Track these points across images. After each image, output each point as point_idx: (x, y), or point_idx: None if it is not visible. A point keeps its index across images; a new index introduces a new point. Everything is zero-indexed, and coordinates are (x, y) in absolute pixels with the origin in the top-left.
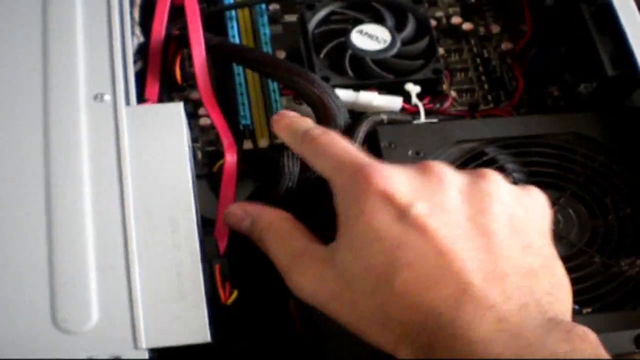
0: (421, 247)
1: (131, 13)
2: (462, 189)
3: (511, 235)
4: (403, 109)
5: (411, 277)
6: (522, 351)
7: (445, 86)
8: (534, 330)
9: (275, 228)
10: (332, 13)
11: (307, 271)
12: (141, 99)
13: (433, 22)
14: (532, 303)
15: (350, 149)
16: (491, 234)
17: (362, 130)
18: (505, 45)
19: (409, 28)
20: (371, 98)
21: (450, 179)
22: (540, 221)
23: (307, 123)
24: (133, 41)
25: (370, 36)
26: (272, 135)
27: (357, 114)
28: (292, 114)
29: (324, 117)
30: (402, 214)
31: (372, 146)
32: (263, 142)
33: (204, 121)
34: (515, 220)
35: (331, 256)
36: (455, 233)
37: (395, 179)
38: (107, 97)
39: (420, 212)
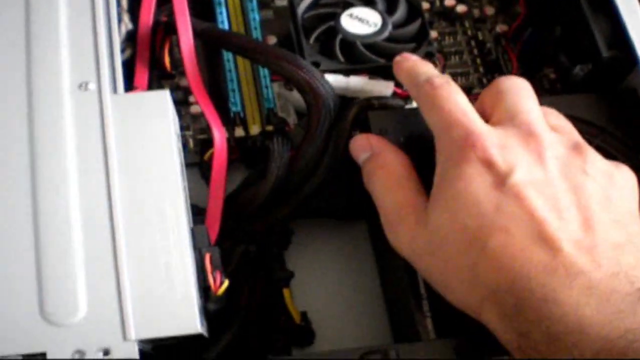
0: (516, 213)
1: (118, 0)
2: (560, 162)
3: (602, 210)
4: (394, 94)
5: (504, 241)
6: (612, 316)
7: (438, 69)
8: (624, 298)
9: (388, 171)
10: None
11: (405, 226)
12: (130, 87)
13: (426, 5)
14: (621, 273)
15: (463, 109)
16: (583, 208)
17: (352, 115)
18: (500, 28)
19: (400, 11)
20: (362, 83)
21: (551, 151)
22: (629, 199)
23: (430, 69)
24: (121, 28)
25: (361, 20)
26: (263, 122)
27: (348, 100)
28: (414, 57)
29: (313, 102)
30: (501, 181)
31: (364, 131)
32: (254, 129)
33: (194, 109)
34: (607, 197)
35: (429, 213)
36: (550, 203)
37: (499, 146)
38: (92, 86)
39: (518, 181)
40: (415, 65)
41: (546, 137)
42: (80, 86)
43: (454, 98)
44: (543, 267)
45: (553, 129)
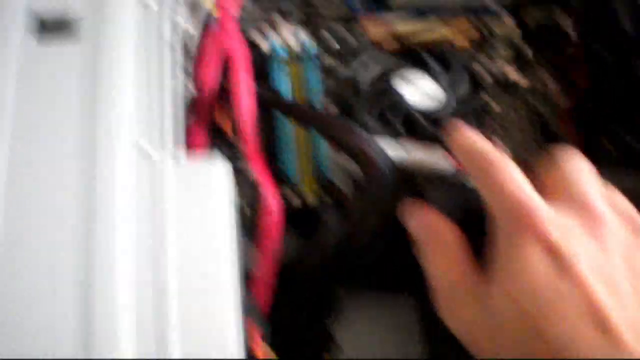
0: (578, 302)
1: (182, 65)
2: (624, 248)
3: None
4: (452, 166)
5: (564, 331)
6: None
7: (499, 143)
8: None
9: (442, 243)
10: (386, 69)
11: (460, 305)
12: (189, 152)
13: (488, 77)
14: None
15: (522, 186)
16: None
17: (410, 188)
18: (561, 101)
19: (463, 85)
20: (420, 155)
21: (614, 236)
22: None
23: (484, 143)
24: (184, 94)
25: (424, 93)
26: (317, 191)
27: (406, 171)
28: (469, 129)
29: (371, 174)
30: (564, 267)
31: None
32: (309, 197)
33: (250, 174)
34: None
35: (486, 295)
36: (613, 293)
37: (561, 229)
38: (154, 153)
39: (581, 268)
40: (469, 138)
41: (608, 220)
42: (142, 153)
43: (510, 174)
44: (604, 358)
45: (616, 211)
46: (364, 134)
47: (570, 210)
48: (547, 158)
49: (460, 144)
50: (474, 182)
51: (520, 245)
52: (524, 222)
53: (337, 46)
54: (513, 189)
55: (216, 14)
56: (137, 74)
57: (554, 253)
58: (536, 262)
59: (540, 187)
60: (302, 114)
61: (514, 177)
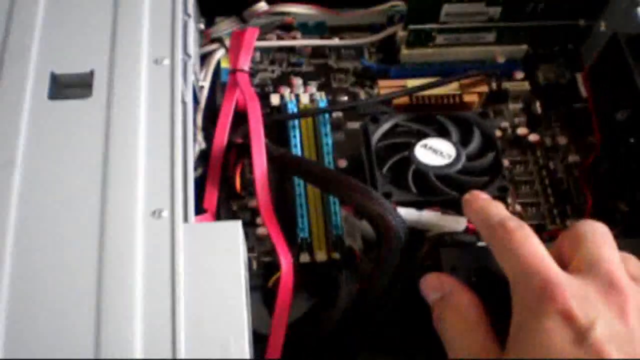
0: None
1: (195, 119)
2: None
3: None
4: (467, 229)
5: None
6: None
7: (510, 200)
8: None
9: (460, 314)
10: (396, 126)
11: None
12: (199, 206)
13: (498, 133)
14: None
15: (540, 255)
16: None
17: (424, 252)
18: (572, 158)
19: (475, 143)
20: (434, 218)
21: (632, 304)
22: None
23: (502, 210)
24: (195, 147)
25: (435, 151)
26: (329, 249)
27: (419, 233)
28: (484, 196)
29: (384, 236)
30: (581, 336)
31: (435, 268)
32: (320, 256)
33: (261, 230)
34: None
35: None
36: None
37: (579, 298)
38: (165, 214)
39: (599, 337)
40: (486, 205)
41: (628, 289)
42: (153, 213)
43: (529, 243)
44: None
45: (633, 278)
46: (379, 196)
47: (589, 279)
48: (568, 228)
49: (475, 210)
50: (491, 251)
51: (539, 315)
52: (544, 294)
53: (349, 101)
54: (532, 259)
55: (229, 68)
56: (149, 132)
57: (571, 321)
58: (554, 331)
59: (559, 255)
60: (316, 173)
61: (532, 248)
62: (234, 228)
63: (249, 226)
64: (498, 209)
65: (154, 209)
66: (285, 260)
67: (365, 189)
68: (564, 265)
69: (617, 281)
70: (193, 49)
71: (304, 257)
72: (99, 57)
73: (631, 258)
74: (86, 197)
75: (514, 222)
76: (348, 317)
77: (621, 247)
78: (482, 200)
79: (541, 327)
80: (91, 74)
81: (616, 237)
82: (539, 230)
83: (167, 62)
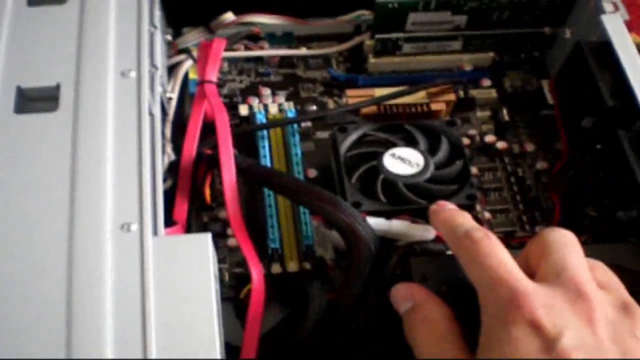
0: None
1: (163, 131)
2: (610, 325)
3: None
4: (437, 238)
5: None
6: None
7: (479, 207)
8: None
9: (431, 324)
10: (365, 135)
11: None
12: (169, 218)
13: (466, 140)
14: None
15: (508, 265)
16: None
17: (394, 262)
18: (540, 165)
19: (443, 151)
20: (404, 227)
21: (600, 312)
22: None
23: (468, 221)
24: (164, 159)
25: (403, 160)
26: (300, 259)
27: (389, 243)
28: (451, 206)
29: (354, 246)
30: (549, 345)
31: (405, 278)
32: (292, 266)
33: (232, 242)
34: None
35: None
36: None
37: (547, 307)
38: (134, 227)
39: (567, 346)
40: (452, 216)
41: (595, 297)
42: (122, 227)
43: (496, 253)
44: None
45: (601, 286)
46: (348, 206)
47: (557, 288)
48: (535, 237)
49: (442, 221)
50: (459, 261)
51: (507, 325)
52: (511, 304)
53: (317, 111)
54: (498, 269)
55: (197, 79)
56: (116, 145)
57: (539, 330)
58: (522, 341)
59: (526, 263)
60: (285, 184)
61: (498, 258)
62: (204, 241)
63: (220, 237)
64: (464, 219)
65: (122, 222)
66: (256, 272)
67: (335, 199)
68: (531, 273)
69: (584, 289)
70: (160, 60)
71: (276, 268)
72: (65, 70)
73: (599, 265)
74: (54, 211)
75: (479, 233)
76: (320, 327)
77: (590, 253)
78: (448, 211)
79: (509, 336)
80: (57, 87)
81: (585, 243)
82: (508, 237)
83: (133, 74)
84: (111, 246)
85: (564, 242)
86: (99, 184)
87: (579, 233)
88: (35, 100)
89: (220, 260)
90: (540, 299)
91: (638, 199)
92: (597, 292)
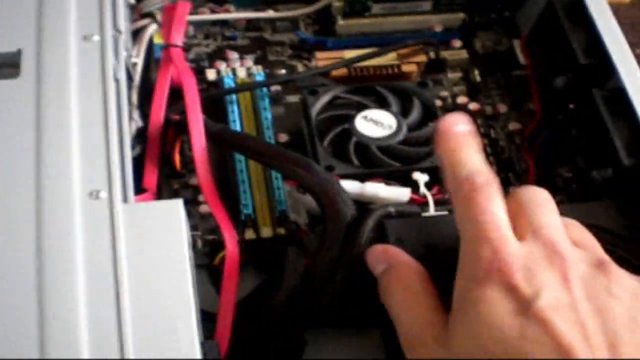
0: (541, 340)
1: (129, 97)
2: (585, 283)
3: (629, 333)
4: (411, 200)
5: None
6: None
7: None
8: None
9: (406, 286)
10: (335, 98)
11: (425, 347)
12: (139, 186)
13: (438, 102)
14: None
15: (497, 222)
16: (609, 332)
17: (369, 224)
18: (513, 126)
19: (415, 113)
20: (378, 190)
21: (575, 271)
22: None
23: (473, 158)
24: (131, 126)
25: (375, 122)
26: (274, 225)
27: (363, 205)
28: (461, 129)
29: (328, 210)
30: (525, 306)
31: (381, 240)
32: (265, 232)
33: (204, 208)
34: (633, 319)
35: (451, 338)
36: (575, 329)
37: (524, 270)
38: (103, 194)
39: (542, 306)
40: (459, 148)
41: (570, 255)
42: (91, 194)
43: (491, 208)
44: None
45: (576, 243)
46: (321, 170)
47: (533, 247)
48: (509, 195)
49: (447, 154)
50: (452, 202)
51: (483, 285)
52: (490, 264)
53: (287, 74)
54: (488, 227)
55: (163, 43)
56: (81, 111)
57: (514, 291)
58: (498, 301)
59: None
60: (255, 149)
61: (492, 214)
62: (175, 207)
63: (192, 204)
64: (470, 156)
65: (90, 190)
66: (230, 238)
67: (307, 163)
68: None
69: (559, 248)
70: (124, 24)
71: (249, 234)
72: (26, 36)
73: (573, 223)
74: (20, 180)
75: (482, 177)
76: (296, 293)
77: (565, 213)
78: (455, 139)
79: (484, 296)
80: (18, 53)
81: (559, 203)
82: None
83: (96, 38)
84: (80, 214)
85: (539, 200)
86: (65, 152)
87: (553, 194)
88: None
89: (193, 228)
90: (520, 261)
91: (612, 158)
92: (572, 250)
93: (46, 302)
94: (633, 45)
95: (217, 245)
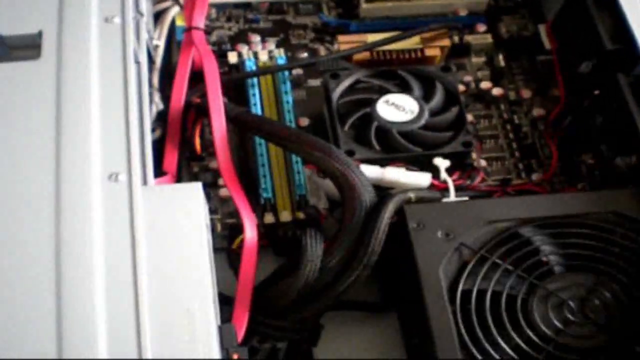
0: None
1: (150, 79)
2: None
3: None
4: (432, 186)
5: None
6: None
7: (474, 155)
8: None
9: None
10: (357, 82)
11: None
12: (159, 169)
13: (461, 87)
14: None
15: None
16: None
17: (389, 209)
18: (536, 111)
19: (437, 98)
20: (398, 175)
21: None
22: None
23: None
24: (152, 109)
25: (397, 106)
26: (293, 209)
27: (383, 190)
28: None
29: (348, 195)
30: None
31: (400, 226)
32: (285, 216)
33: (223, 192)
34: None
35: None
36: None
37: None
38: (122, 177)
39: None
40: None
41: None
42: (110, 177)
43: None
44: None
45: None
46: (341, 154)
47: None
48: None
49: None
50: None
51: None
52: None
53: (309, 57)
54: None
55: (185, 26)
56: (102, 93)
57: None
58: None
59: None
60: (276, 132)
61: None
62: (194, 189)
63: (211, 187)
64: None
65: (110, 172)
66: (249, 222)
67: (328, 147)
68: None
69: None
70: (146, 6)
71: (269, 218)
72: (47, 17)
73: None
74: (40, 162)
75: None
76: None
77: (589, 200)
78: None
79: None
80: (39, 34)
81: (585, 191)
82: (505, 184)
83: (117, 20)
84: (100, 196)
85: None
86: (85, 134)
87: (576, 180)
88: (17, 49)
89: (212, 211)
90: None
91: (637, 145)
92: None
93: (64, 282)
94: None
95: (236, 228)
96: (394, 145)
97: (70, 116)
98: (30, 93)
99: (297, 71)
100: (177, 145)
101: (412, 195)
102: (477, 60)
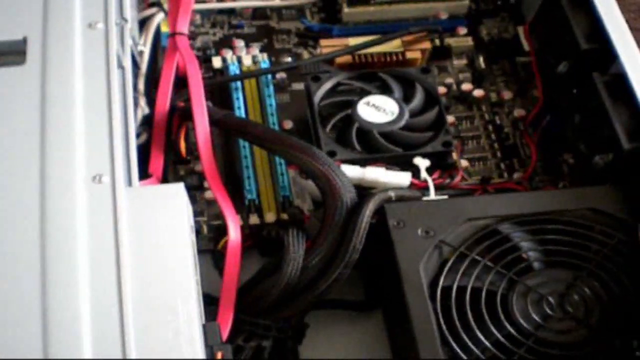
0: None
1: (135, 84)
2: None
3: None
4: (412, 185)
5: None
6: None
7: (455, 155)
8: None
9: None
10: (338, 84)
11: None
12: (145, 172)
13: (443, 89)
14: None
15: None
16: None
17: (370, 208)
18: (517, 112)
19: (417, 99)
20: (378, 174)
21: None
22: None
23: None
24: (137, 113)
25: (377, 108)
26: (278, 210)
27: (364, 190)
28: None
29: (329, 194)
30: None
31: (381, 224)
32: (269, 217)
33: (209, 194)
34: None
35: None
36: None
37: None
38: (106, 179)
39: None
40: None
41: None
42: (94, 178)
43: None
44: None
45: None
46: (322, 155)
47: None
48: None
49: None
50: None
51: None
52: None
53: (290, 61)
54: None
55: (168, 31)
56: (85, 97)
57: None
58: None
59: None
60: (259, 135)
61: None
62: (177, 190)
63: (197, 190)
64: None
65: (94, 174)
66: (233, 223)
67: (309, 148)
68: None
69: None
70: (130, 13)
71: (253, 219)
72: (32, 24)
73: None
74: (24, 164)
75: None
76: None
77: (569, 197)
78: None
79: None
80: (24, 40)
81: (564, 188)
82: (485, 182)
83: (101, 26)
84: (84, 197)
85: None
86: (69, 137)
87: (557, 179)
88: (2, 54)
89: (198, 213)
90: None
91: (613, 143)
92: None
93: (49, 282)
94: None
95: (222, 230)
96: (375, 146)
97: (55, 119)
98: (15, 97)
99: (281, 75)
100: (163, 149)
101: (392, 194)
102: (459, 62)
